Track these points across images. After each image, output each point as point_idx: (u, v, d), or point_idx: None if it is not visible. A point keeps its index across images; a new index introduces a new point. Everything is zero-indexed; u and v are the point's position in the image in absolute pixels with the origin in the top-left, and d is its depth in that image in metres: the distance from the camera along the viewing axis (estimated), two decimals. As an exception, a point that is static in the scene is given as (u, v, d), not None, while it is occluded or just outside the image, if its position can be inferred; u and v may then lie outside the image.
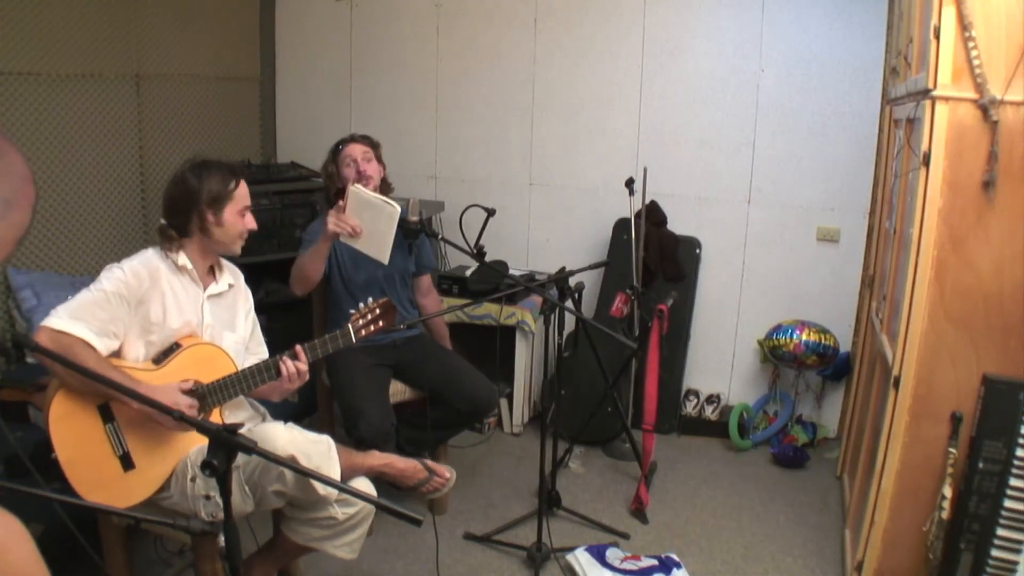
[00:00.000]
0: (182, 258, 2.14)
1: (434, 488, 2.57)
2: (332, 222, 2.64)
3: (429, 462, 2.59)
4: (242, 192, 2.21)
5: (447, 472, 2.59)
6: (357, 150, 2.95)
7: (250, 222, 2.23)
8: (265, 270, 3.76)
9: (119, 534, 2.13)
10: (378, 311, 2.26)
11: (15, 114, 3.13)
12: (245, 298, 2.37)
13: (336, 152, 2.98)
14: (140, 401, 1.63)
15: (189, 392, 2.01)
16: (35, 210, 1.36)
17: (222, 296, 2.26)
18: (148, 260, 2.11)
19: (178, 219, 2.14)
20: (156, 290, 2.08)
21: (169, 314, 2.09)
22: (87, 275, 3.41)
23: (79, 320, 1.92)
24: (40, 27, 3.18)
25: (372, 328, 2.25)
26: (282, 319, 3.69)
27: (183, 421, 1.44)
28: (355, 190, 2.65)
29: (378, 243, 2.65)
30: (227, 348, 2.18)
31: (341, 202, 2.68)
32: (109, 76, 3.53)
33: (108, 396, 1.93)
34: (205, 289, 2.20)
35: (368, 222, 2.63)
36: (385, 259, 2.67)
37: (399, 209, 2.59)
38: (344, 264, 2.96)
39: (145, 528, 2.15)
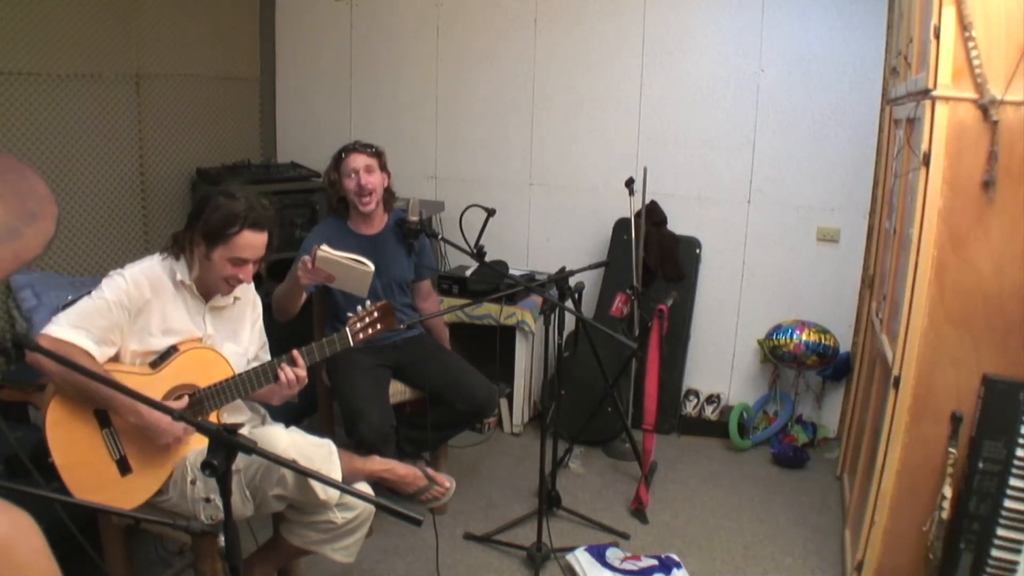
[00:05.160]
0: (181, 272, 2.12)
1: (434, 496, 2.57)
2: (303, 275, 2.54)
3: (430, 471, 2.60)
4: (242, 242, 2.06)
5: (447, 482, 2.59)
6: (360, 161, 2.88)
7: (242, 274, 2.09)
8: (265, 270, 3.76)
9: (119, 534, 2.13)
10: (376, 314, 2.26)
11: (15, 114, 3.13)
12: (253, 308, 2.34)
13: (338, 160, 2.93)
14: (139, 401, 1.63)
15: (184, 408, 2.00)
16: (58, 223, 1.40)
17: (225, 309, 2.24)
18: (150, 269, 2.09)
19: (186, 231, 2.12)
20: (157, 300, 2.07)
21: (169, 324, 2.09)
22: (87, 275, 3.41)
23: (79, 328, 1.92)
24: (40, 27, 3.18)
25: (370, 331, 2.25)
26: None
27: (182, 421, 1.43)
28: (322, 255, 2.48)
29: (355, 287, 2.56)
30: (226, 356, 2.17)
31: (307, 257, 2.51)
32: (109, 76, 3.53)
33: (103, 405, 1.94)
34: (207, 301, 2.19)
35: (342, 273, 2.53)
36: (364, 295, 2.54)
37: (371, 268, 2.50)
38: None
39: (145, 528, 2.14)
